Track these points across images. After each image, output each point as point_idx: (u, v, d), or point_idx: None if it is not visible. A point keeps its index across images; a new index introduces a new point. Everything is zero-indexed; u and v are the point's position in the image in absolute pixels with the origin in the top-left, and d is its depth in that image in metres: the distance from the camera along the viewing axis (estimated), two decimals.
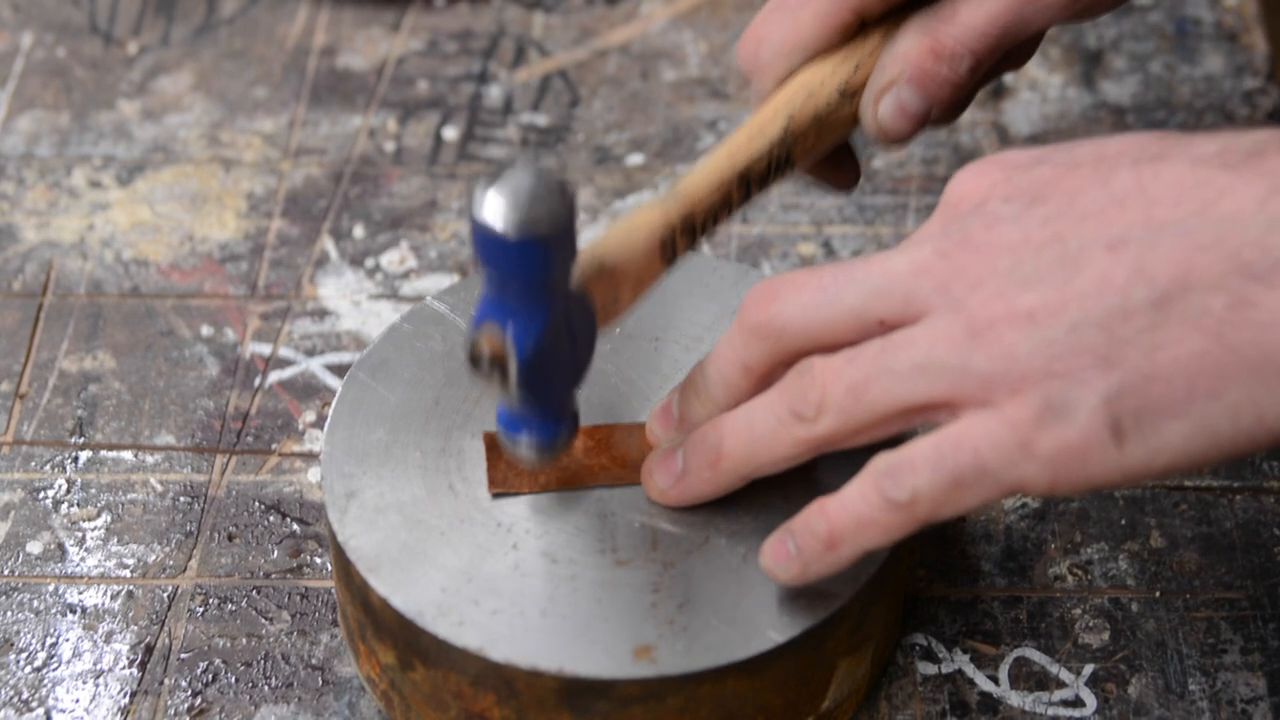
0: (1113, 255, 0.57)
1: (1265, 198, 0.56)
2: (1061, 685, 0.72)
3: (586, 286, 0.65)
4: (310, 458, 0.80)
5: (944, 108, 0.70)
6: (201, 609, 0.75)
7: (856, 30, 0.71)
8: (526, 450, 0.67)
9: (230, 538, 0.77)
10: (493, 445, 0.70)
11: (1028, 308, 0.57)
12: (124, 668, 0.73)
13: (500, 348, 0.63)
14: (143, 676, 0.73)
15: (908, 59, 0.69)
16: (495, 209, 0.60)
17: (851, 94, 0.71)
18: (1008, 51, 0.72)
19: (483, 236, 0.61)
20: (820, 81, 0.71)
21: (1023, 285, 0.58)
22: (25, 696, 0.72)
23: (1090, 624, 0.74)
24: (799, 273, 0.63)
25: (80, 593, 0.75)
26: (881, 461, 0.60)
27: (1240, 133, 0.58)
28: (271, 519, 0.78)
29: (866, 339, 0.61)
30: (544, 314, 0.63)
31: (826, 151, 0.72)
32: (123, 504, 0.79)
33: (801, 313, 0.62)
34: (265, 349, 0.84)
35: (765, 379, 0.64)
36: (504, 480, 0.69)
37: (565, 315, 0.64)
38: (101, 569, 0.76)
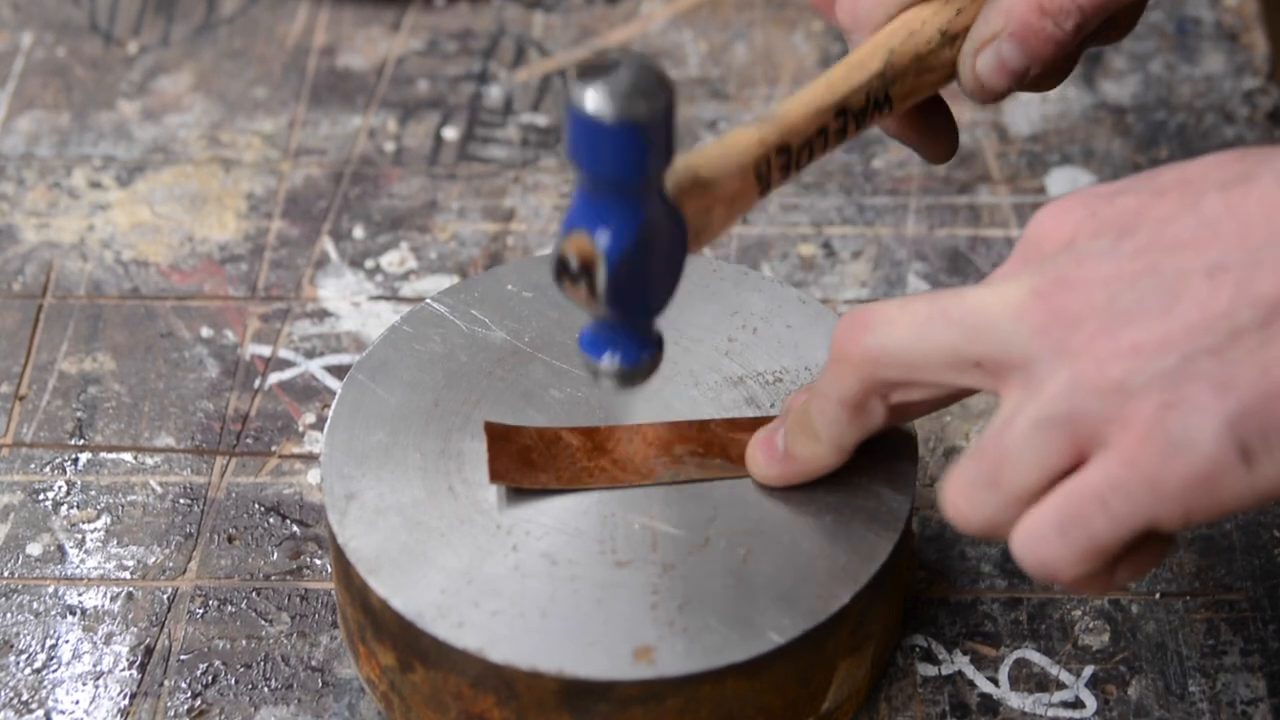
0: (1212, 281, 0.56)
1: None
2: (1061, 687, 0.72)
3: (679, 198, 0.62)
4: (310, 459, 0.80)
5: (1045, 67, 0.69)
6: (201, 611, 0.75)
7: None
8: (610, 374, 0.65)
9: (230, 539, 0.77)
10: (496, 436, 0.70)
11: (1132, 342, 0.56)
12: (124, 669, 0.73)
13: (590, 253, 0.61)
14: (142, 678, 0.73)
15: (1011, 13, 0.68)
16: (594, 94, 0.58)
17: (952, 37, 0.70)
18: (1113, 16, 0.70)
19: (578, 125, 0.58)
20: (922, 21, 0.70)
21: (1124, 320, 0.57)
22: (25, 698, 0.72)
23: (1090, 625, 0.74)
24: (889, 304, 0.62)
25: (80, 594, 0.75)
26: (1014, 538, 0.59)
27: None
28: (271, 521, 0.78)
29: (959, 378, 0.60)
30: (637, 217, 0.60)
31: (923, 97, 0.71)
32: (122, 506, 0.78)
33: (896, 346, 0.61)
34: (265, 350, 0.84)
35: (863, 409, 0.64)
36: (505, 473, 0.69)
37: (658, 223, 0.61)
38: (101, 571, 0.76)
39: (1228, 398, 0.55)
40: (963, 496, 0.59)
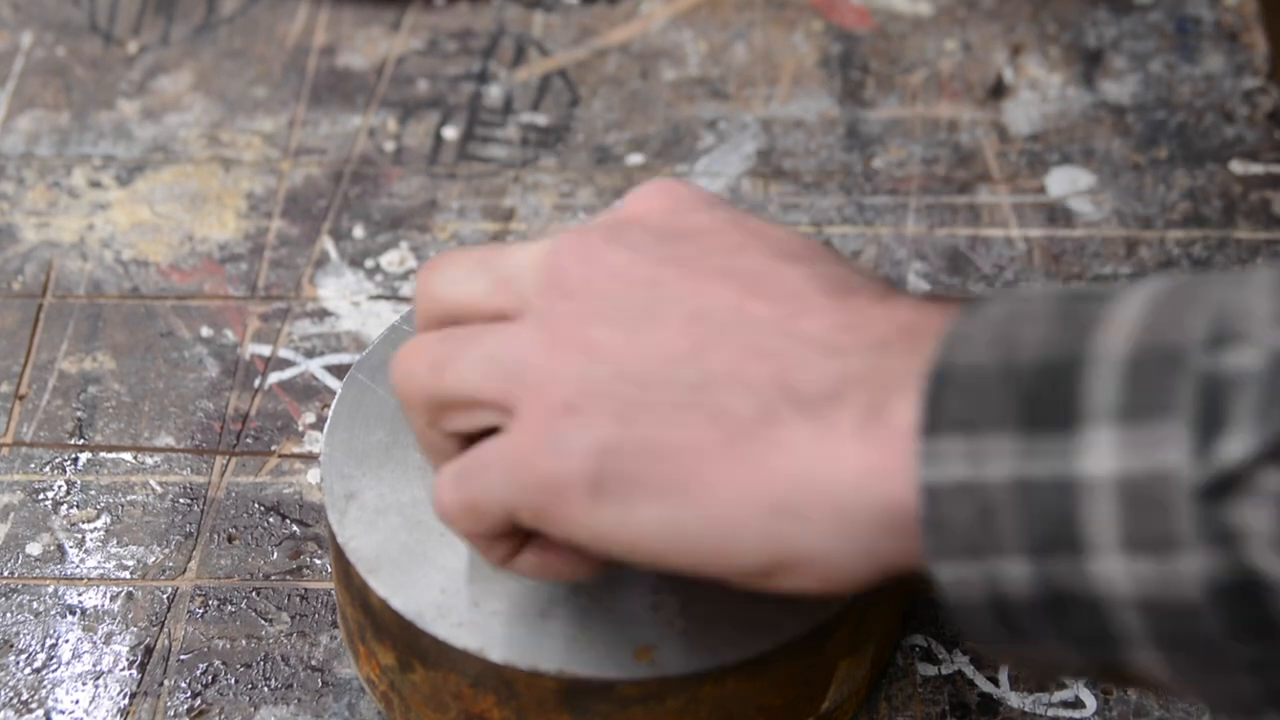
0: (688, 325, 0.55)
1: (833, 329, 0.54)
2: (1061, 686, 0.72)
3: None
4: (310, 459, 0.80)
5: None
6: (201, 610, 0.75)
7: None
8: None
9: (230, 539, 0.77)
10: None
11: (593, 339, 0.56)
12: (123, 669, 0.73)
13: None
14: (142, 678, 0.73)
15: None
16: None
17: None
18: None
19: None
20: None
21: (602, 316, 0.56)
22: (25, 698, 0.72)
23: None
24: (471, 250, 0.62)
25: (80, 594, 0.75)
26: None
27: (888, 290, 0.56)
28: (271, 520, 0.78)
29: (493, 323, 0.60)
30: None
31: None
32: (122, 505, 0.78)
33: (446, 287, 0.61)
34: (265, 350, 0.84)
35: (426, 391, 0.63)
36: None
37: None
38: (101, 570, 0.76)
39: (616, 429, 0.54)
40: (406, 356, 0.60)
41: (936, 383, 0.51)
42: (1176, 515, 0.47)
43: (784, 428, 0.53)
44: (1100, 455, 0.48)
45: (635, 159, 0.93)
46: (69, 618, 0.75)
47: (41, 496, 0.79)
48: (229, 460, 0.80)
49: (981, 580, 0.50)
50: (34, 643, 0.74)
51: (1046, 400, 0.49)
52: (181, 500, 0.79)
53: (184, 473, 0.80)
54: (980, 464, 0.50)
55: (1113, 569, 0.49)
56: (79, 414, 0.82)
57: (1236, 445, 0.47)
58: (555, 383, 0.56)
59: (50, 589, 0.76)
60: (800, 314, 0.55)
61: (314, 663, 0.73)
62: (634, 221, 0.59)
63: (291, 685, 0.73)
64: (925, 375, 0.51)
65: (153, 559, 0.77)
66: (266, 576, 0.76)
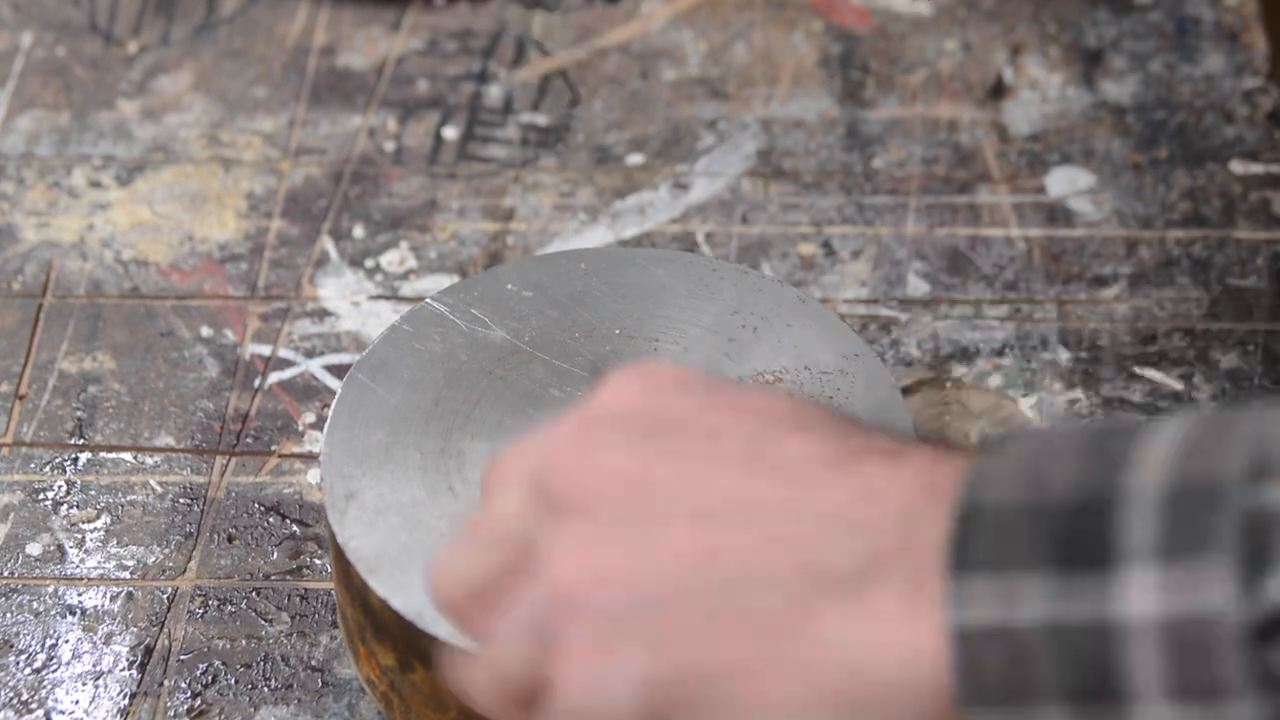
0: (694, 526, 0.51)
1: (850, 504, 0.51)
2: None
3: None
4: (310, 459, 0.80)
5: None
6: (201, 610, 0.75)
7: None
8: None
9: (230, 539, 0.77)
10: None
11: (602, 568, 0.52)
12: (123, 669, 0.73)
13: None
14: (142, 678, 0.73)
15: None
16: None
17: None
18: None
19: None
20: None
21: (603, 537, 0.52)
22: (25, 698, 0.72)
23: None
24: (464, 526, 0.58)
25: (80, 594, 0.75)
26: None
27: (894, 446, 0.52)
28: (271, 520, 0.78)
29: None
30: None
31: None
32: (122, 505, 0.78)
33: (458, 586, 0.56)
34: (265, 350, 0.84)
35: None
36: None
37: None
38: (101, 570, 0.76)
39: (657, 658, 0.51)
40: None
41: (962, 522, 0.48)
42: (1223, 660, 0.45)
43: (821, 618, 0.50)
44: (1139, 596, 0.46)
45: (635, 159, 0.93)
46: (69, 618, 0.75)
47: (41, 496, 0.79)
48: (229, 460, 0.80)
49: None
50: (34, 643, 0.74)
51: (1080, 539, 0.47)
52: (181, 500, 0.79)
53: (184, 473, 0.80)
54: (1012, 606, 0.47)
55: (1157, 718, 0.46)
56: (79, 414, 0.82)
57: None
58: (578, 627, 0.52)
59: (50, 589, 0.76)
60: (810, 490, 0.51)
61: (314, 663, 0.73)
62: (612, 419, 0.55)
63: (291, 685, 0.72)
64: (950, 515, 0.49)
65: (153, 559, 0.77)
66: (266, 576, 0.76)
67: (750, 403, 0.54)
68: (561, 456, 0.54)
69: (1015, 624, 0.47)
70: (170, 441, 0.81)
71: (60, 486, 0.79)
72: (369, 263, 0.88)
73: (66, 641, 0.74)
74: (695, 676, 0.51)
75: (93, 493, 0.79)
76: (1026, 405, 0.82)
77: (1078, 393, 0.83)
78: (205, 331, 0.85)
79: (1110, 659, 0.46)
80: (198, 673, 0.73)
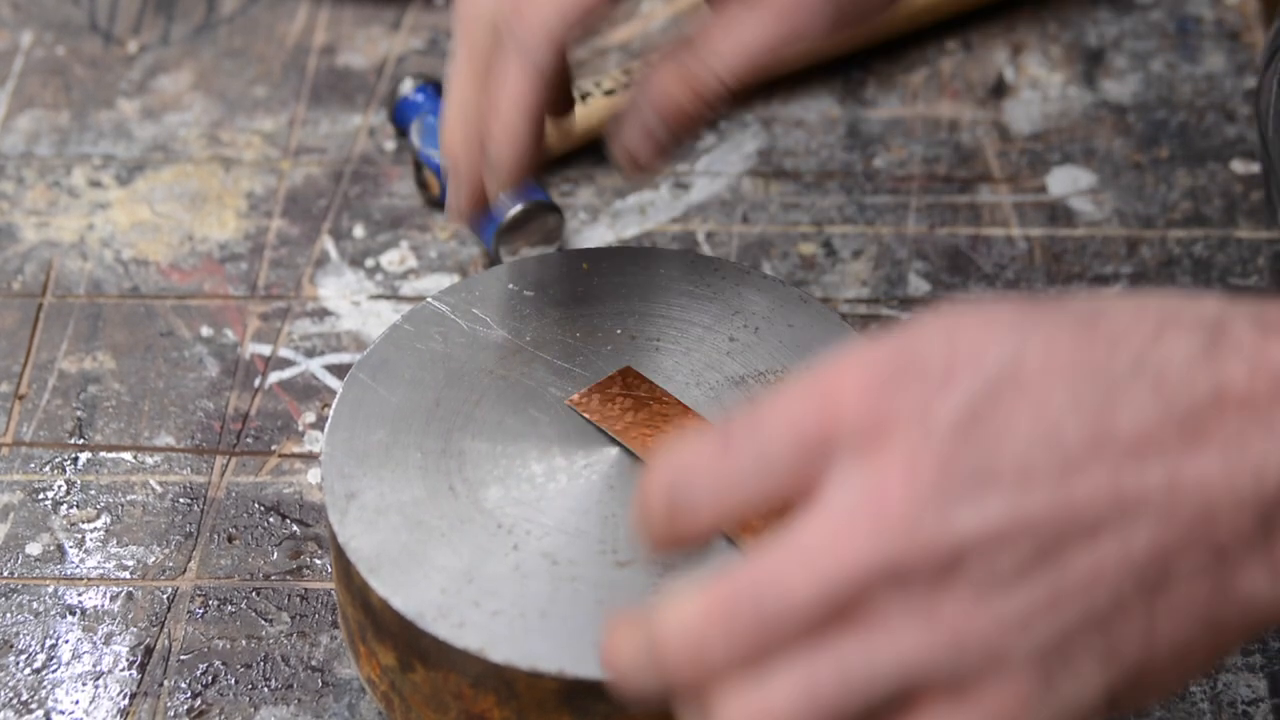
0: (1093, 541, 0.50)
1: (1228, 470, 0.50)
2: None
3: None
4: (310, 459, 0.80)
5: (694, 134, 0.70)
6: (201, 610, 0.75)
7: None
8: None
9: (230, 539, 0.77)
10: (619, 379, 0.72)
11: (1015, 614, 0.50)
12: (123, 669, 0.73)
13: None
14: (142, 678, 0.73)
15: (659, 89, 0.68)
16: None
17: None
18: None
19: None
20: None
21: (998, 586, 0.50)
22: (25, 698, 0.72)
23: None
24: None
25: (80, 594, 0.75)
26: None
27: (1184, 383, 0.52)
28: (271, 520, 0.78)
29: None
30: None
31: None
32: (122, 505, 0.78)
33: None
34: (265, 349, 0.84)
35: None
36: (585, 402, 0.71)
37: None
38: (101, 570, 0.76)
39: (1110, 669, 0.51)
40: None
41: None
42: None
43: (1237, 588, 0.51)
44: None
45: None
46: (69, 618, 0.75)
47: (41, 496, 0.79)
48: (229, 460, 0.80)
49: None
50: (34, 643, 0.74)
51: None
52: (181, 500, 0.79)
53: (184, 472, 0.80)
54: None
55: None
56: (79, 414, 0.82)
57: None
58: (1003, 665, 0.51)
59: (50, 589, 0.76)
60: (1178, 470, 0.51)
61: (314, 663, 0.73)
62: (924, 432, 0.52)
63: (291, 685, 0.72)
64: None
65: (153, 559, 0.77)
66: (266, 576, 0.76)
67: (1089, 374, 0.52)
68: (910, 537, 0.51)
69: None
70: (170, 441, 0.81)
71: (60, 486, 0.79)
72: (369, 262, 0.88)
73: (66, 641, 0.74)
74: (1150, 669, 0.51)
75: (93, 492, 0.79)
76: None
77: None
78: (205, 331, 0.85)
79: None
80: (198, 673, 0.73)
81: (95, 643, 0.74)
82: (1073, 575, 0.51)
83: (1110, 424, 0.51)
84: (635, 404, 0.71)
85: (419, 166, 0.89)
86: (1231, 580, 0.51)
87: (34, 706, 0.72)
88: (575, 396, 0.71)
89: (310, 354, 0.84)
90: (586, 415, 0.70)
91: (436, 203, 0.89)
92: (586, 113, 0.91)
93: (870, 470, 0.51)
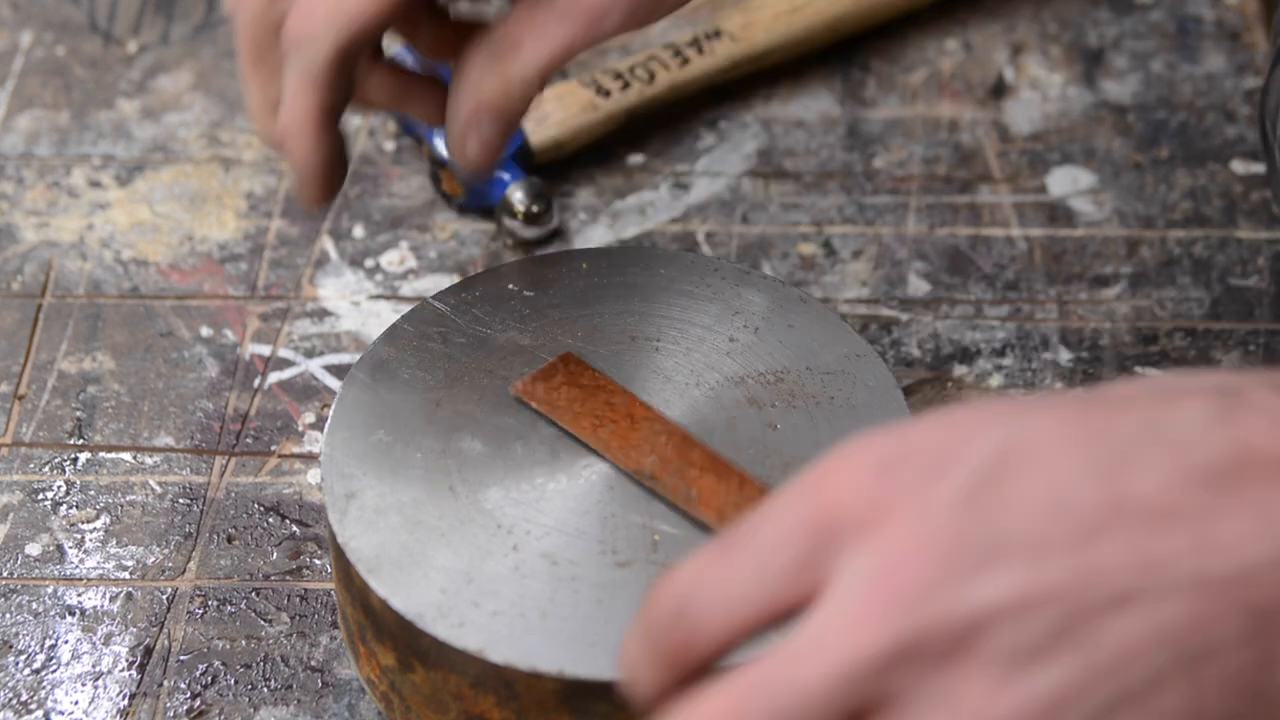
0: (1121, 611, 0.48)
1: (1261, 532, 0.48)
2: None
3: None
4: (310, 459, 0.80)
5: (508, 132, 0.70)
6: (201, 611, 0.75)
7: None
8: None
9: (229, 539, 0.77)
10: (563, 363, 0.72)
11: (1044, 695, 0.48)
12: (123, 670, 0.73)
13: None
14: (142, 678, 0.73)
15: (470, 91, 0.69)
16: None
17: None
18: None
19: None
20: None
21: (1021, 663, 0.48)
22: (24, 699, 0.72)
23: None
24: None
25: (79, 594, 0.75)
26: None
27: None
28: (271, 521, 0.78)
29: None
30: None
31: None
32: (122, 506, 0.78)
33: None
34: (265, 350, 0.84)
35: None
36: (529, 390, 0.71)
37: None
38: (100, 571, 0.76)
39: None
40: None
41: None
42: None
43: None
44: None
45: (635, 158, 0.92)
46: (68, 618, 0.75)
47: (41, 496, 0.79)
48: (229, 460, 0.80)
49: None
50: (33, 643, 0.74)
51: None
52: (181, 500, 0.79)
53: (183, 473, 0.80)
54: None
55: None
56: (78, 414, 0.82)
57: None
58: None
59: (50, 589, 0.76)
60: (1210, 529, 0.48)
61: (314, 663, 0.73)
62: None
63: (291, 686, 0.72)
64: None
65: (152, 559, 0.77)
66: (266, 577, 0.76)
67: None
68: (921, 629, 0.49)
69: None
70: (170, 441, 0.81)
71: (60, 486, 0.79)
72: (369, 262, 0.88)
73: (66, 642, 0.74)
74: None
75: (92, 493, 0.79)
76: None
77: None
78: (205, 331, 0.85)
79: None
80: (197, 673, 0.73)
81: (95, 643, 0.74)
82: (1104, 650, 0.48)
83: (1126, 488, 0.48)
84: (582, 393, 0.71)
85: (436, 162, 0.90)
86: (1274, 653, 0.48)
87: (33, 707, 0.72)
88: (518, 385, 0.71)
89: (310, 354, 0.84)
90: (533, 404, 0.71)
91: (448, 198, 0.90)
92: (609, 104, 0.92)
93: (875, 554, 0.49)
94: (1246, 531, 0.48)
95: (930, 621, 0.48)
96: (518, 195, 0.87)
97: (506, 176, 0.88)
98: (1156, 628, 0.48)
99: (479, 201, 0.89)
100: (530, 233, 0.88)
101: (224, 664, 0.73)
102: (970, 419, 0.51)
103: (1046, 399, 0.51)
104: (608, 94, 0.91)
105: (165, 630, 0.74)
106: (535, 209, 0.87)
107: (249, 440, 0.81)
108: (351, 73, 0.69)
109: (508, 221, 0.87)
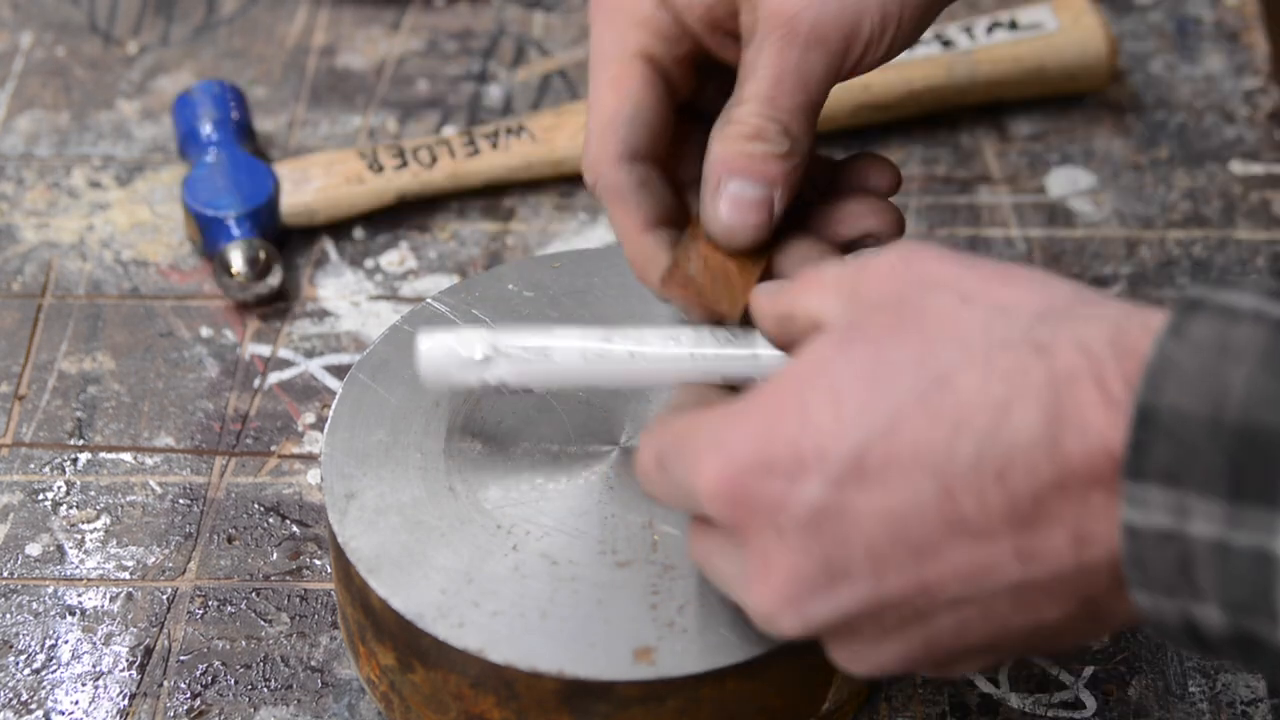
0: (958, 611, 0.57)
1: (1069, 544, 0.55)
2: (1061, 687, 0.72)
3: None
4: (309, 459, 0.80)
5: (792, 182, 0.68)
6: (201, 611, 0.75)
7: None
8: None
9: (229, 540, 0.77)
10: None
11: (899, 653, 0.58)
12: (123, 670, 0.73)
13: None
14: (142, 678, 0.73)
15: (720, 154, 0.67)
16: None
17: None
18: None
19: None
20: None
21: (875, 640, 0.58)
22: (25, 699, 0.72)
23: None
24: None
25: (79, 595, 0.75)
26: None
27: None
28: (271, 521, 0.78)
29: None
30: None
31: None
32: (122, 506, 0.78)
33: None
34: (265, 350, 0.84)
35: None
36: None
37: None
38: (101, 571, 0.76)
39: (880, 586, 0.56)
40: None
41: (1141, 424, 0.52)
42: None
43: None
44: None
45: None
46: (69, 618, 0.75)
47: (41, 497, 0.79)
48: (229, 460, 0.80)
49: (1178, 614, 0.53)
50: (34, 643, 0.74)
51: (1253, 471, 0.50)
52: (181, 500, 0.79)
53: (184, 473, 0.80)
54: (1184, 519, 0.51)
55: None
56: (79, 414, 0.82)
57: None
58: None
59: (50, 589, 0.76)
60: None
61: (314, 663, 0.73)
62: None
63: (291, 686, 0.72)
64: (1130, 408, 0.52)
65: (152, 559, 0.77)
66: (266, 577, 0.76)
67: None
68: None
69: (1185, 534, 0.51)
70: (170, 442, 0.81)
71: (60, 487, 0.79)
72: (369, 263, 0.88)
73: (66, 642, 0.74)
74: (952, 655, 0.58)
75: (92, 493, 0.79)
76: None
77: None
78: (205, 332, 0.85)
79: (1269, 586, 0.50)
80: (197, 673, 0.73)
81: (95, 643, 0.74)
82: (942, 626, 0.56)
83: (957, 513, 0.54)
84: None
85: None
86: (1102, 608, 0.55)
87: (34, 707, 0.72)
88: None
89: (310, 354, 0.84)
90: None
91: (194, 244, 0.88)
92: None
93: (737, 562, 0.59)
94: (1059, 545, 0.54)
95: (789, 629, 0.58)
96: (234, 254, 0.84)
97: (236, 232, 0.85)
98: (986, 617, 0.56)
99: (211, 250, 0.86)
100: (241, 294, 0.85)
101: (224, 664, 0.73)
102: (826, 405, 0.56)
103: (899, 375, 0.56)
104: (380, 169, 0.88)
105: (165, 630, 0.74)
106: (246, 271, 0.84)
107: (249, 440, 0.81)
108: (646, 186, 0.69)
109: (222, 278, 0.85)
